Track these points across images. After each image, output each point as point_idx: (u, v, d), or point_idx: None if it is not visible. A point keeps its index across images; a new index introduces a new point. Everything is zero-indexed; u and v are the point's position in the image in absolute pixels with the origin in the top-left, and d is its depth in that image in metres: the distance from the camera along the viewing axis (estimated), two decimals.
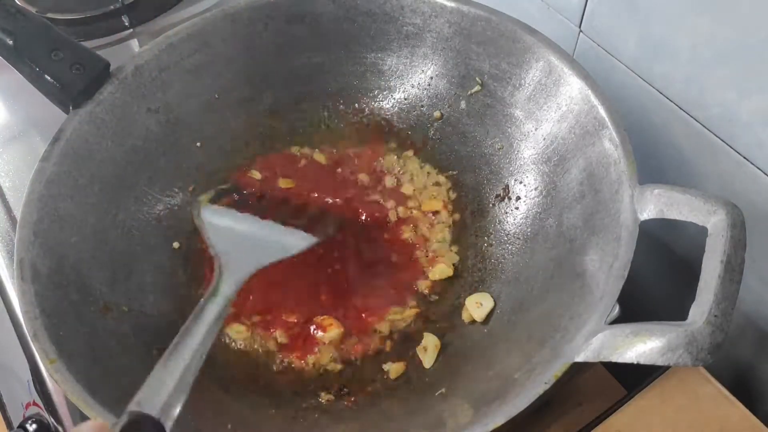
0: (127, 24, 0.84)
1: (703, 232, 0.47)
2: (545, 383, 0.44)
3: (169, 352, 0.44)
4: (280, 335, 0.61)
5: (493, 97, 0.67)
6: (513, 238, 0.64)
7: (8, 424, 0.72)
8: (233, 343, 0.61)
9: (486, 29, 0.65)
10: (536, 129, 0.64)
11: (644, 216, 0.50)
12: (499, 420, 0.43)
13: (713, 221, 0.46)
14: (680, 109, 0.61)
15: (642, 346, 0.42)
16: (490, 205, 0.67)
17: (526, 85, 0.64)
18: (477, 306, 0.61)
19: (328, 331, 0.60)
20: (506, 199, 0.66)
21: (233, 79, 0.70)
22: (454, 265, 0.65)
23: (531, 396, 0.44)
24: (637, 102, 0.65)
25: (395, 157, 0.72)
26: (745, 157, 0.58)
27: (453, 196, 0.69)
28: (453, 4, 0.66)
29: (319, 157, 0.73)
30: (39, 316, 0.49)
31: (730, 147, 0.58)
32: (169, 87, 0.66)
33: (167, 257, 0.64)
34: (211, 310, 0.48)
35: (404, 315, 0.62)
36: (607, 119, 0.55)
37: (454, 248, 0.67)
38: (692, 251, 0.66)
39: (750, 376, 0.66)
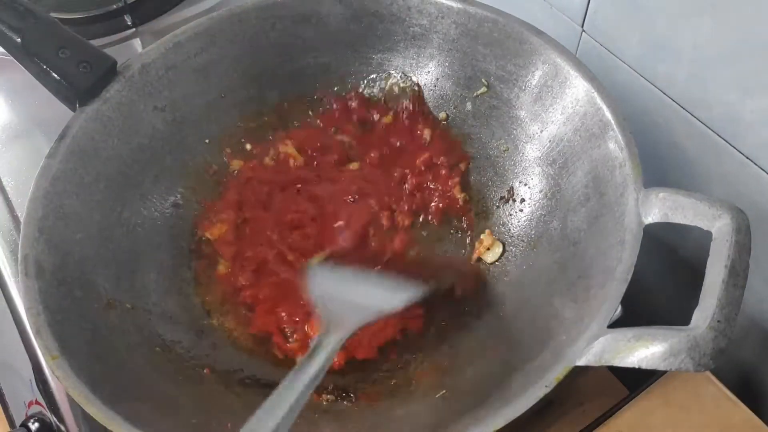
0: (129, 23, 0.85)
1: (707, 235, 0.47)
2: (546, 386, 0.44)
3: (264, 410, 0.44)
4: (282, 333, 0.61)
5: (499, 98, 0.67)
6: (517, 240, 0.64)
7: (11, 422, 0.73)
8: (234, 343, 0.61)
9: (493, 31, 0.65)
10: (542, 131, 0.64)
11: (649, 220, 0.50)
12: (500, 422, 0.43)
13: (718, 226, 0.46)
14: (683, 108, 0.61)
15: (644, 350, 0.42)
16: (495, 206, 0.67)
17: (532, 87, 0.64)
18: (487, 249, 0.64)
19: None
20: (511, 201, 0.66)
21: (240, 78, 0.70)
22: None
23: (532, 399, 0.44)
24: (639, 102, 0.65)
25: None
26: (748, 158, 0.57)
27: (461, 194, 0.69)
28: (460, 5, 0.66)
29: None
30: (42, 312, 0.49)
31: (734, 147, 0.58)
32: (176, 85, 0.66)
33: (171, 256, 0.64)
34: (310, 369, 0.47)
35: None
36: (612, 122, 0.55)
37: None
38: (696, 255, 0.65)
39: (753, 377, 0.66)
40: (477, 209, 0.68)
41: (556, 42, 0.62)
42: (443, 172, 0.69)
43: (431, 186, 0.69)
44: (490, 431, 0.43)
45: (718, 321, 0.41)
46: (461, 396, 0.54)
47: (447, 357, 0.59)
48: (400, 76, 0.72)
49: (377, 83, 0.73)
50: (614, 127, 0.55)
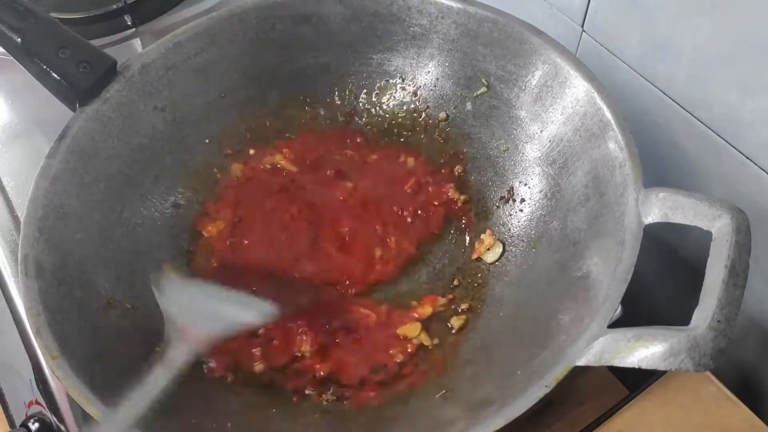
0: (129, 23, 0.84)
1: (707, 235, 0.47)
2: (546, 386, 0.44)
3: (107, 419, 0.45)
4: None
5: (499, 98, 0.67)
6: (517, 240, 0.64)
7: (10, 422, 0.73)
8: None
9: (493, 31, 0.65)
10: (542, 131, 0.64)
11: (649, 220, 0.49)
12: (499, 422, 0.43)
13: (718, 226, 0.46)
14: (683, 108, 0.61)
15: (644, 350, 0.42)
16: (495, 206, 0.67)
17: (532, 87, 0.64)
18: (487, 249, 0.64)
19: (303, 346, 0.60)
20: (511, 201, 0.66)
21: (240, 78, 0.70)
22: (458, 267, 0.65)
23: (531, 399, 0.44)
24: (639, 102, 0.65)
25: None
26: (748, 158, 0.57)
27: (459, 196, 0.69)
28: (460, 5, 0.66)
29: None
30: (42, 312, 0.49)
31: (734, 147, 0.58)
32: (176, 85, 0.66)
33: (171, 256, 0.64)
34: (158, 378, 0.48)
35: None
36: (612, 122, 0.55)
37: None
38: (696, 255, 0.65)
39: (753, 377, 0.66)
40: (477, 209, 0.68)
41: (556, 42, 0.62)
42: (431, 189, 0.69)
43: (423, 211, 0.69)
44: (490, 431, 0.43)
45: (718, 321, 0.41)
46: (461, 396, 0.54)
47: (447, 357, 0.59)
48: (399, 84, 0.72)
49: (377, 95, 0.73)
50: (614, 127, 0.55)
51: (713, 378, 0.55)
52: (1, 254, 0.68)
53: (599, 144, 0.56)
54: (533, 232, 0.63)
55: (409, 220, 0.67)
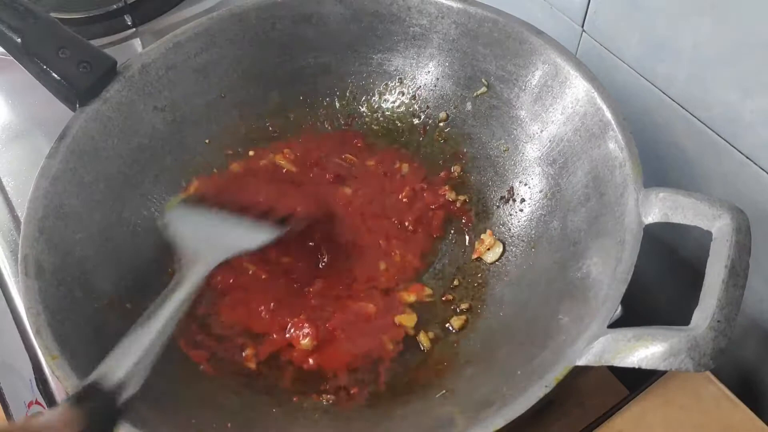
0: (129, 23, 0.85)
1: (707, 235, 0.47)
2: (546, 386, 0.44)
3: (131, 333, 0.47)
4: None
5: (499, 98, 0.67)
6: (517, 240, 0.64)
7: None
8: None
9: (493, 30, 0.65)
10: (542, 131, 0.64)
11: (649, 219, 0.49)
12: (499, 422, 0.43)
13: (718, 226, 0.46)
14: (683, 108, 0.61)
15: (644, 350, 0.42)
16: (495, 206, 0.67)
17: (532, 86, 0.64)
18: (487, 249, 0.64)
19: (301, 340, 0.60)
20: (511, 201, 0.66)
21: (240, 78, 0.70)
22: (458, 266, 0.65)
23: (531, 399, 0.44)
24: (639, 102, 0.65)
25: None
26: (748, 158, 0.57)
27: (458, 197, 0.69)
28: (460, 5, 0.66)
29: None
30: (42, 312, 0.49)
31: (733, 147, 0.58)
32: (176, 85, 0.66)
33: (171, 256, 0.64)
34: (176, 299, 0.50)
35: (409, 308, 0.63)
36: (612, 122, 0.55)
37: None
38: (696, 255, 0.65)
39: (753, 377, 0.66)
40: (477, 209, 0.68)
41: (556, 42, 0.62)
42: (426, 194, 0.69)
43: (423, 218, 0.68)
44: (490, 431, 0.43)
45: (718, 321, 0.42)
46: (461, 396, 0.54)
47: (447, 357, 0.59)
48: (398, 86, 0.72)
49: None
50: (614, 127, 0.55)
51: (713, 378, 0.55)
52: (1, 254, 0.68)
53: (599, 144, 0.56)
54: (533, 232, 0.63)
55: (410, 228, 0.67)
